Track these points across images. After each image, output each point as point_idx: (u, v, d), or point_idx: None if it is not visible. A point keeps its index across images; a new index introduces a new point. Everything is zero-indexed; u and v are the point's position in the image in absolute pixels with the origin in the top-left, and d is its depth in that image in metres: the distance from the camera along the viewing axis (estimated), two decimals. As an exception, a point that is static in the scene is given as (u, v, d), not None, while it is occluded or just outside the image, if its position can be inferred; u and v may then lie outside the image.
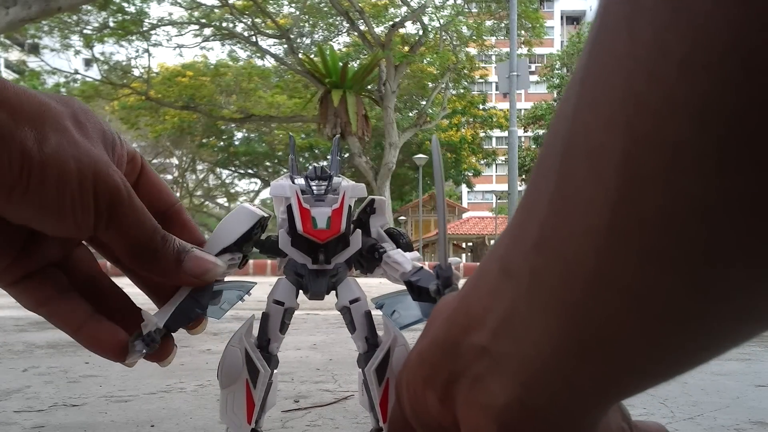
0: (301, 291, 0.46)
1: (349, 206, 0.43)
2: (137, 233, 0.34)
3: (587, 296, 0.20)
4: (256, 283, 0.46)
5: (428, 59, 16.31)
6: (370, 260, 0.46)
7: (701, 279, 0.18)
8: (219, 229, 0.43)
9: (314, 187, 0.43)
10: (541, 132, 24.22)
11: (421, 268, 0.44)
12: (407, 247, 0.46)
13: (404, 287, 0.45)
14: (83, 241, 0.39)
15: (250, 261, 0.48)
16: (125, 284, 0.42)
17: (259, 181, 27.57)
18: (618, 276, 0.19)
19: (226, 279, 0.45)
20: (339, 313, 0.46)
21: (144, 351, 0.38)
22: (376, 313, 0.47)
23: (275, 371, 0.46)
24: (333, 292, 0.47)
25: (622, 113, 0.18)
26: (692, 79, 0.16)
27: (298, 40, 16.66)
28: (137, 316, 0.38)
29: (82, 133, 0.32)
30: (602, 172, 0.19)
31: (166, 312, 0.39)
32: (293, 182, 0.43)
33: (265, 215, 0.44)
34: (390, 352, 0.44)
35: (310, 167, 0.45)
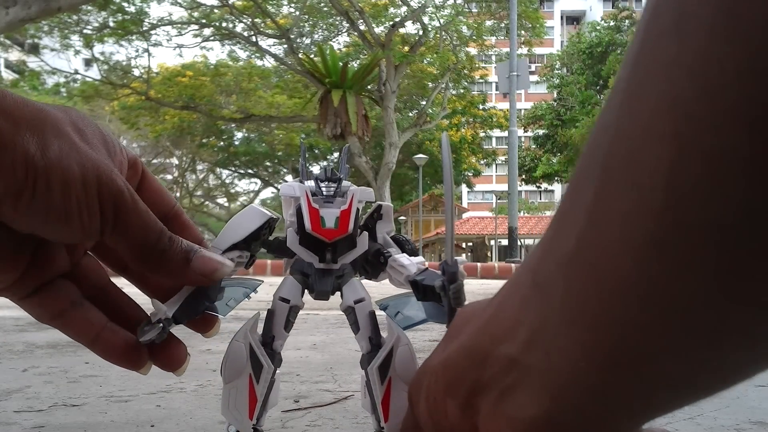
0: (306, 291, 0.47)
1: (357, 209, 0.44)
2: (144, 235, 0.34)
3: (624, 309, 0.20)
4: (262, 281, 0.46)
5: (428, 59, 16.31)
6: (375, 265, 0.47)
7: (747, 292, 0.18)
8: (228, 226, 0.44)
9: (324, 189, 0.43)
10: (541, 132, 24.23)
11: (426, 268, 0.44)
12: (413, 253, 0.47)
13: (408, 290, 0.45)
14: (89, 252, 0.39)
15: (250, 261, 0.48)
16: (132, 291, 0.42)
17: (259, 181, 27.60)
18: (658, 289, 0.19)
19: (233, 277, 0.45)
20: (339, 313, 0.47)
21: (153, 336, 0.38)
22: (380, 315, 0.47)
23: (278, 370, 0.47)
24: (337, 293, 0.47)
25: (668, 123, 0.18)
26: (746, 88, 0.16)
27: (298, 40, 16.66)
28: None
29: (83, 139, 0.32)
30: (646, 184, 0.18)
31: (174, 303, 0.39)
32: (303, 184, 0.44)
33: (274, 217, 0.45)
34: (393, 351, 0.45)
35: (320, 169, 0.45)
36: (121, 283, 0.41)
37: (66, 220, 0.31)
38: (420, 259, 0.45)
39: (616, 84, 0.21)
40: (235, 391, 0.45)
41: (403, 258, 0.45)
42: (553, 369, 0.22)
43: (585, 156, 0.21)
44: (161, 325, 0.38)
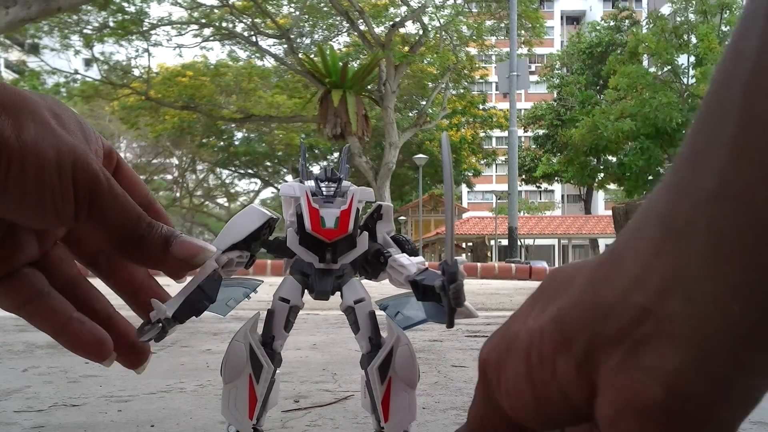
0: (306, 292, 0.47)
1: (357, 209, 0.44)
2: (120, 220, 0.33)
3: None
4: (262, 281, 0.46)
5: (428, 59, 16.30)
6: (375, 265, 0.47)
7: None
8: (228, 226, 0.44)
9: (324, 189, 0.44)
10: (541, 132, 24.23)
11: (426, 268, 0.44)
12: (413, 253, 0.47)
13: (408, 290, 0.45)
14: (60, 242, 0.39)
15: (249, 261, 0.48)
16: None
17: (259, 181, 27.60)
18: None
19: (233, 277, 0.45)
20: (339, 313, 0.47)
21: (153, 336, 0.38)
22: (380, 315, 0.47)
23: (278, 370, 0.47)
24: (337, 293, 0.47)
25: None
26: None
27: (298, 40, 16.65)
28: (115, 320, 0.39)
29: (60, 123, 0.32)
30: None
31: (175, 302, 0.39)
32: (303, 184, 0.44)
33: (274, 217, 0.45)
34: (393, 351, 0.45)
35: (320, 169, 0.45)
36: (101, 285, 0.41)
37: (39, 204, 0.30)
38: (420, 259, 0.45)
39: (756, 9, 0.20)
40: (235, 391, 0.45)
41: (403, 258, 0.45)
42: (696, 315, 0.21)
43: (717, 89, 0.21)
44: (161, 325, 0.38)
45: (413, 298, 0.44)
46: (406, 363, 0.45)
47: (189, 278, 0.40)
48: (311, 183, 0.44)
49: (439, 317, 0.43)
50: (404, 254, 0.46)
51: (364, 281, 0.49)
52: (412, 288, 0.44)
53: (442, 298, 0.39)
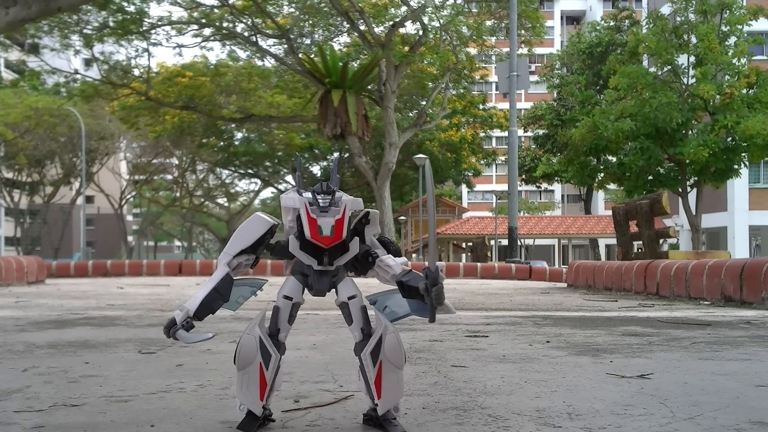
0: (305, 289, 0.55)
1: (350, 218, 0.52)
2: None
3: None
4: (267, 280, 0.55)
5: (428, 59, 16.30)
6: (363, 264, 0.55)
7: None
8: (237, 233, 0.51)
9: (320, 200, 0.51)
10: (541, 132, 24.20)
11: (410, 270, 0.52)
12: (396, 253, 0.55)
13: (394, 287, 0.53)
14: None
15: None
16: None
17: (259, 181, 27.55)
18: None
19: (241, 277, 0.54)
20: (339, 313, 0.54)
21: (181, 331, 0.49)
22: (369, 308, 0.54)
23: (282, 356, 0.56)
24: (332, 291, 0.55)
25: None
26: None
27: (298, 40, 16.63)
28: None
29: None
30: None
31: (194, 303, 0.48)
32: (301, 195, 0.52)
33: (276, 223, 0.53)
34: (382, 338, 0.53)
35: (317, 184, 0.53)
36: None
37: None
38: (403, 259, 0.53)
39: None
40: (247, 376, 0.53)
41: (389, 259, 0.53)
42: None
43: None
44: (185, 323, 0.49)
45: (398, 294, 0.52)
46: (394, 348, 0.52)
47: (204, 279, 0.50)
48: (309, 194, 0.52)
49: (422, 312, 0.50)
50: (389, 255, 0.54)
51: (357, 279, 0.58)
52: (398, 287, 0.51)
53: (425, 298, 0.48)
